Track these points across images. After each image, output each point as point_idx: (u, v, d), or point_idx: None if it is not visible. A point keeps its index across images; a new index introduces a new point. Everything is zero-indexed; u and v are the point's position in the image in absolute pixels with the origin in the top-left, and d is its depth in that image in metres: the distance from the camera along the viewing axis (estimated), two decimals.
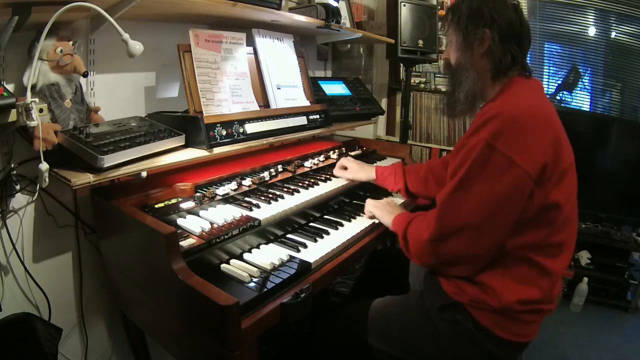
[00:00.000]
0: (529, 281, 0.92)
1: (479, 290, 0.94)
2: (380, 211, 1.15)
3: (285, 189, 1.25)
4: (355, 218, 1.22)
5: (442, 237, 0.90)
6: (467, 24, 0.98)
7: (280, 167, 1.37)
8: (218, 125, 1.14)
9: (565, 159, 0.90)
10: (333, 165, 1.44)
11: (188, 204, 1.04)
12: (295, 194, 1.21)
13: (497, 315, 0.93)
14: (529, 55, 2.60)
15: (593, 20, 2.58)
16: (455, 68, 1.03)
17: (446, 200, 0.90)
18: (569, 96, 2.71)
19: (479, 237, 0.88)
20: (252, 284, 0.83)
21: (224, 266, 0.90)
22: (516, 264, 0.92)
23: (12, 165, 1.00)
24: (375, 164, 1.45)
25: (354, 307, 1.17)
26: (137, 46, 0.95)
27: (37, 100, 0.89)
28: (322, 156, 1.54)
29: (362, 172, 1.37)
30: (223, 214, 1.01)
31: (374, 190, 1.44)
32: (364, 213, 1.22)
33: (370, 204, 1.20)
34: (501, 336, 0.94)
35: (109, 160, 0.89)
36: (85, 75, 1.00)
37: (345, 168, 1.39)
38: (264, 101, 1.42)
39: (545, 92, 1.03)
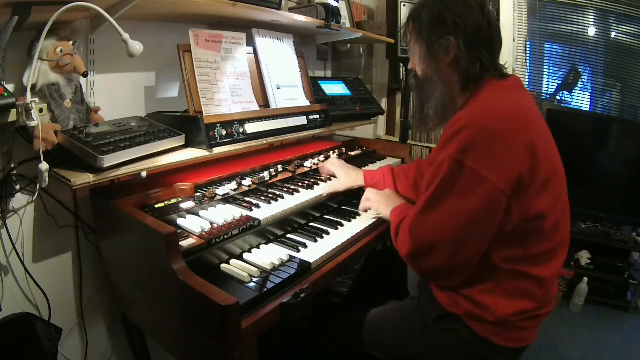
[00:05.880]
0: (523, 293, 0.89)
1: (473, 305, 0.91)
2: (378, 203, 1.12)
3: (285, 189, 1.25)
4: (355, 218, 1.21)
5: (417, 253, 0.88)
6: (430, 33, 0.91)
7: (280, 167, 1.36)
8: (218, 125, 1.14)
9: (545, 167, 0.84)
10: None
11: (188, 204, 1.05)
12: (295, 194, 1.22)
13: (494, 327, 0.91)
14: (529, 56, 2.63)
15: (593, 20, 2.57)
16: (422, 81, 0.97)
17: (417, 217, 0.88)
18: (569, 96, 2.71)
19: (453, 253, 0.85)
20: (252, 284, 0.83)
21: (224, 266, 0.90)
22: (507, 279, 0.88)
23: (12, 165, 1.00)
24: (363, 169, 1.41)
25: (351, 319, 1.15)
26: (137, 46, 0.95)
27: (37, 100, 0.89)
28: (322, 156, 1.54)
29: (349, 179, 1.30)
30: (223, 214, 1.01)
31: None
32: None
33: (370, 193, 1.16)
34: (500, 344, 0.92)
35: (109, 160, 0.89)
36: (85, 75, 1.01)
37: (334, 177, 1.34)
38: (264, 101, 1.42)
39: (524, 88, 0.96)
